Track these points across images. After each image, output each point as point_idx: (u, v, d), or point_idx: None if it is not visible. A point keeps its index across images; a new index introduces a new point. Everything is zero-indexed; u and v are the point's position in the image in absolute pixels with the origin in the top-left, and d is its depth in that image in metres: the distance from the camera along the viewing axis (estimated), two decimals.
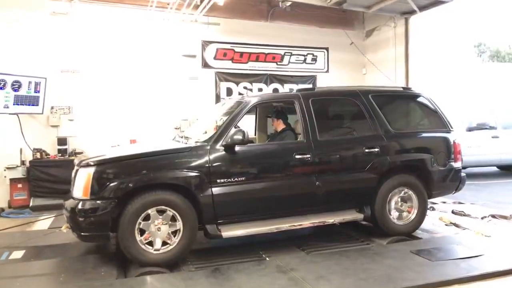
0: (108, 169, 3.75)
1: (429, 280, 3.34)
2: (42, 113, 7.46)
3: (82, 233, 3.72)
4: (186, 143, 4.27)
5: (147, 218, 3.76)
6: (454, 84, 10.16)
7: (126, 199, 3.71)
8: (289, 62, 9.86)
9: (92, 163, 3.79)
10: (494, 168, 10.66)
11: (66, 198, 4.05)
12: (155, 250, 3.77)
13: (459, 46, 11.28)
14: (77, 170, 3.95)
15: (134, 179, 3.73)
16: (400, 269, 3.59)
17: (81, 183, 3.75)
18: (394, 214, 4.64)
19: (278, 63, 9.77)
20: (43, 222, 5.87)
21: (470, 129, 9.36)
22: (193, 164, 3.91)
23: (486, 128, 9.48)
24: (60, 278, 3.56)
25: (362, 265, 3.71)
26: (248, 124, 4.76)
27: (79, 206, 3.67)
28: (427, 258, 3.82)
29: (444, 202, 6.47)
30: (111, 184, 3.67)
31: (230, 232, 3.99)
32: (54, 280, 3.54)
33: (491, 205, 6.28)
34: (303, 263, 3.78)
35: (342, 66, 10.17)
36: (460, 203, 6.48)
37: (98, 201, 3.65)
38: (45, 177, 7.05)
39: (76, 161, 4.23)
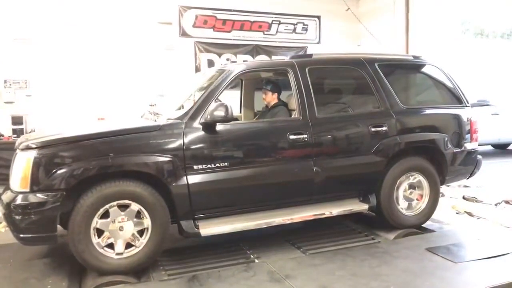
0: (53, 153, 2.94)
1: None
2: None
3: (22, 235, 2.92)
4: (155, 121, 3.50)
5: (105, 215, 3.00)
6: (457, 59, 9.49)
7: (77, 192, 2.94)
8: (277, 31, 9.02)
9: (33, 146, 2.96)
10: (489, 147, 10.23)
11: (5, 189, 3.23)
12: (117, 254, 3.04)
13: (458, 21, 10.58)
14: (15, 155, 3.13)
15: (87, 165, 2.94)
16: (419, 274, 2.95)
17: (19, 171, 2.93)
18: (402, 204, 4.01)
19: (265, 32, 8.91)
20: None
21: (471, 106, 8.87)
22: (164, 146, 3.17)
23: (486, 105, 8.98)
24: None
25: (372, 268, 3.06)
26: (230, 101, 3.98)
27: (17, 201, 2.87)
28: (448, 258, 3.21)
29: (448, 185, 5.90)
30: (58, 172, 2.88)
31: (211, 228, 3.30)
32: None
33: (498, 188, 5.77)
34: (301, 267, 3.10)
35: (334, 37, 9.36)
36: (465, 186, 5.94)
37: (40, 195, 2.87)
38: None
39: (17, 143, 3.39)
